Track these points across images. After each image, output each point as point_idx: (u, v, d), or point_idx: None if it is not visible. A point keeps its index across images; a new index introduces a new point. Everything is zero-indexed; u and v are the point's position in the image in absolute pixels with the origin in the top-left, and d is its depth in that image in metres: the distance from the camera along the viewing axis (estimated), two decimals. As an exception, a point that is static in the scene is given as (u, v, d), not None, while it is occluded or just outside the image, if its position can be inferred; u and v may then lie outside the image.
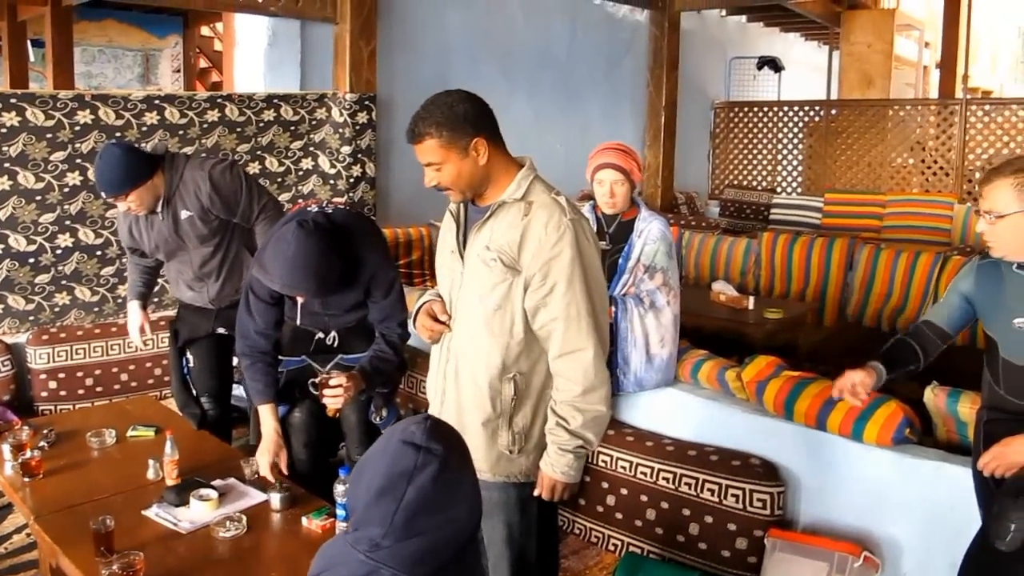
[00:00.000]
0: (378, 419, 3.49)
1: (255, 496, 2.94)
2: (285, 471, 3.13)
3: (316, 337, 3.43)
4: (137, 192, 3.51)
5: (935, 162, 8.86)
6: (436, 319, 2.53)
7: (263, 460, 3.08)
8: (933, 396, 3.17)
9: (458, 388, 2.50)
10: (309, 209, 3.17)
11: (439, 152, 2.29)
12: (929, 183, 8.88)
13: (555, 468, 2.43)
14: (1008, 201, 2.46)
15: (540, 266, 2.32)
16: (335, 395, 3.09)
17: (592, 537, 3.71)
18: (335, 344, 3.43)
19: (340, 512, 2.66)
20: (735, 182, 10.08)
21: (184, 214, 3.65)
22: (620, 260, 3.61)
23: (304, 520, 2.76)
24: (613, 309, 3.51)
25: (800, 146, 9.76)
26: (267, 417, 3.23)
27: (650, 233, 3.58)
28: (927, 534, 3.00)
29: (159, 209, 3.64)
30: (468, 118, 2.29)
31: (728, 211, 9.57)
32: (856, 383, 2.63)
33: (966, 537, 2.60)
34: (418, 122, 2.28)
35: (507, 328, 2.39)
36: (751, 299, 5.09)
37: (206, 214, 3.66)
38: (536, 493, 2.48)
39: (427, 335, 2.55)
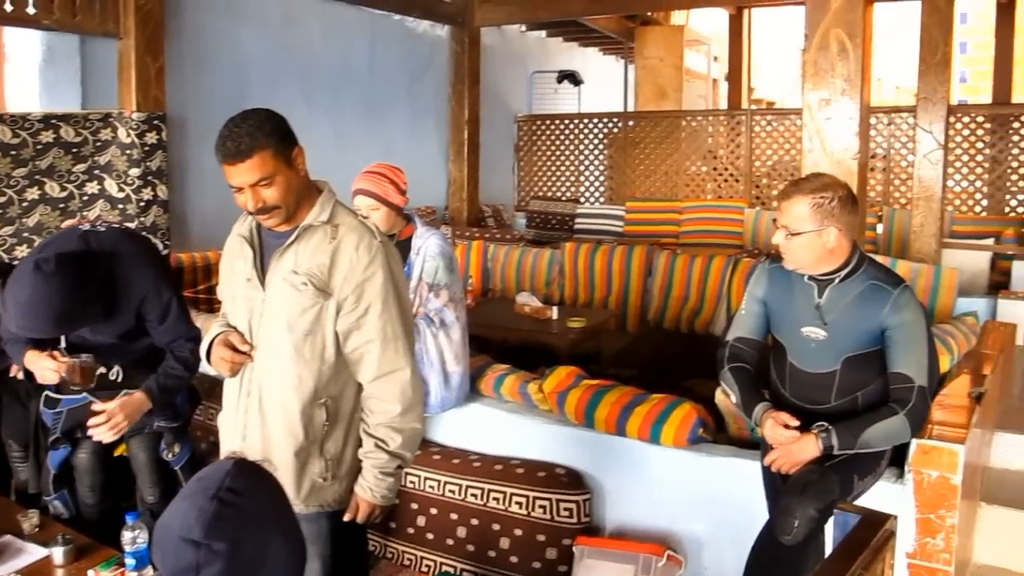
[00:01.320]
0: (170, 456, 3.31)
1: (35, 552, 2.72)
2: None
3: (98, 372, 3.21)
4: None
5: (726, 169, 9.33)
6: (236, 349, 2.41)
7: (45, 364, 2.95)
8: (723, 396, 3.30)
9: (263, 421, 2.40)
10: (79, 227, 2.99)
11: (272, 163, 2.21)
12: (721, 189, 9.34)
13: (375, 492, 2.39)
14: (804, 219, 2.58)
15: (353, 288, 2.30)
16: (98, 423, 2.91)
17: (404, 560, 3.64)
18: (119, 379, 3.22)
19: (130, 561, 2.50)
20: (540, 194, 10.27)
21: None
22: None
23: (91, 573, 2.58)
24: None
25: (601, 157, 10.05)
26: (34, 356, 3.02)
27: (428, 250, 3.53)
28: (724, 527, 3.12)
29: None
30: (287, 127, 2.27)
31: (534, 222, 9.74)
32: (784, 424, 2.64)
33: (758, 528, 2.71)
34: (243, 137, 2.18)
35: (319, 353, 2.34)
36: (555, 309, 5.17)
37: None
38: (348, 518, 2.42)
39: (227, 368, 2.42)
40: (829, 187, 2.58)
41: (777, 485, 2.69)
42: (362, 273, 2.30)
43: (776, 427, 2.63)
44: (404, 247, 3.54)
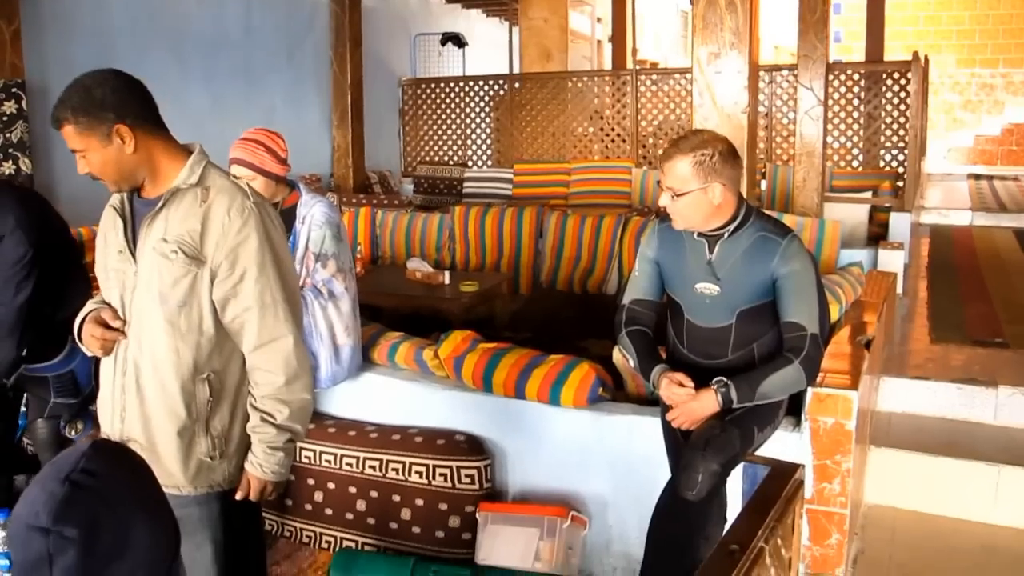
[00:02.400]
0: (72, 433, 3.15)
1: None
2: None
3: None
4: None
5: (612, 130, 9.36)
6: (108, 326, 2.26)
7: None
8: (620, 355, 3.28)
9: (141, 400, 2.24)
10: None
11: (78, 139, 2.10)
12: (608, 150, 9.38)
13: (265, 468, 2.26)
14: (687, 178, 2.54)
15: (227, 254, 2.16)
16: None
17: (303, 537, 3.53)
18: (23, 354, 3.09)
19: (2, 562, 2.32)
20: (427, 158, 10.13)
21: None
22: None
23: (-40, 572, 2.39)
24: None
25: (488, 120, 9.96)
26: None
27: (314, 218, 3.37)
28: (627, 486, 3.11)
29: None
30: (107, 103, 2.09)
31: (422, 188, 9.61)
32: (680, 384, 2.62)
33: (660, 484, 2.70)
34: (56, 106, 2.08)
35: (196, 325, 2.20)
36: (447, 274, 5.08)
37: None
38: (240, 496, 2.29)
39: (98, 346, 2.27)
40: (708, 143, 2.55)
41: (678, 442, 2.68)
42: (235, 237, 2.16)
43: (671, 386, 2.62)
44: (288, 215, 3.39)
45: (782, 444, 2.88)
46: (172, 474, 2.23)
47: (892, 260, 5.61)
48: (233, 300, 2.19)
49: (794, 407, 2.92)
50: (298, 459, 3.50)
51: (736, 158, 2.60)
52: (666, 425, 2.75)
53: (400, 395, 3.54)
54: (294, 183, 3.46)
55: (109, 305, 2.31)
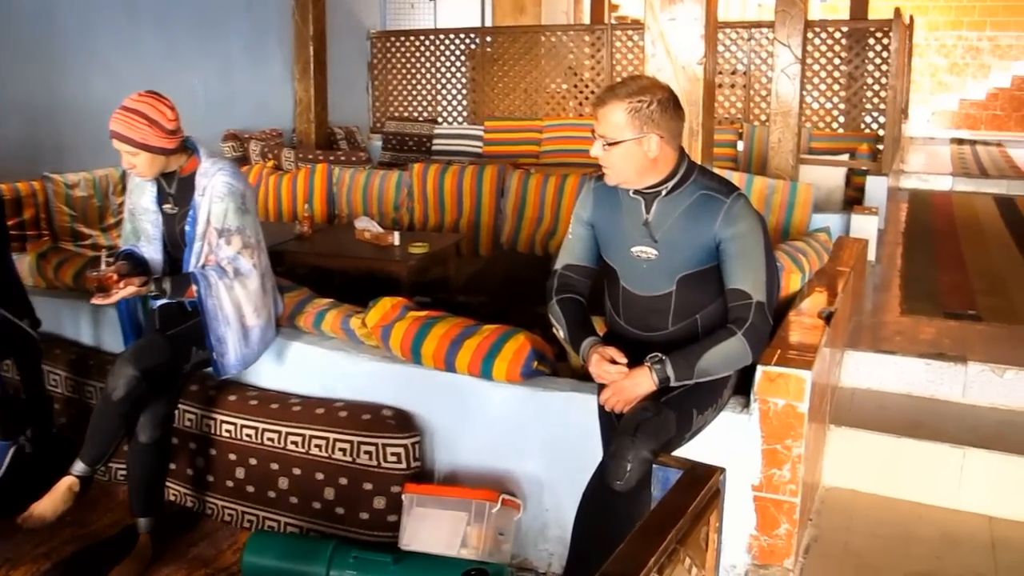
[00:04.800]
0: None
1: None
2: None
3: None
4: None
5: (587, 87, 9.06)
6: None
7: None
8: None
9: None
10: None
11: None
12: (583, 107, 9.08)
13: None
14: (621, 127, 2.30)
15: None
16: None
17: (225, 516, 3.31)
18: None
19: None
20: (396, 114, 9.80)
21: None
22: (187, 227, 3.05)
23: None
24: (195, 287, 2.99)
25: (459, 75, 9.64)
26: None
27: (214, 190, 3.00)
28: (564, 466, 2.89)
29: None
30: None
31: (391, 144, 9.30)
32: (612, 360, 2.40)
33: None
34: None
35: None
36: (396, 235, 4.83)
37: None
38: None
39: None
40: (647, 90, 2.31)
41: (612, 424, 2.45)
42: None
43: (601, 363, 2.39)
44: (187, 185, 3.04)
45: (730, 426, 2.66)
46: None
47: (865, 226, 5.39)
48: None
49: (744, 386, 2.69)
50: (219, 432, 3.28)
51: (678, 109, 2.36)
52: (601, 406, 2.52)
53: (326, 365, 3.29)
54: (193, 147, 3.07)
55: None
